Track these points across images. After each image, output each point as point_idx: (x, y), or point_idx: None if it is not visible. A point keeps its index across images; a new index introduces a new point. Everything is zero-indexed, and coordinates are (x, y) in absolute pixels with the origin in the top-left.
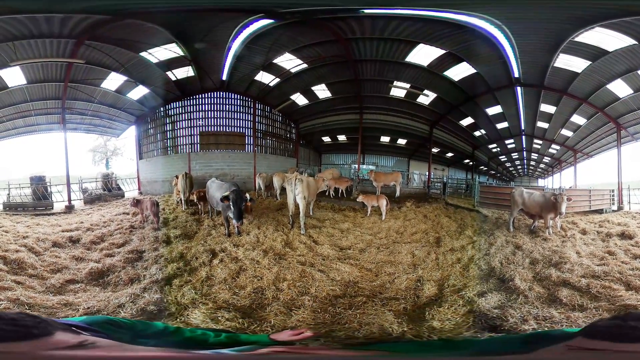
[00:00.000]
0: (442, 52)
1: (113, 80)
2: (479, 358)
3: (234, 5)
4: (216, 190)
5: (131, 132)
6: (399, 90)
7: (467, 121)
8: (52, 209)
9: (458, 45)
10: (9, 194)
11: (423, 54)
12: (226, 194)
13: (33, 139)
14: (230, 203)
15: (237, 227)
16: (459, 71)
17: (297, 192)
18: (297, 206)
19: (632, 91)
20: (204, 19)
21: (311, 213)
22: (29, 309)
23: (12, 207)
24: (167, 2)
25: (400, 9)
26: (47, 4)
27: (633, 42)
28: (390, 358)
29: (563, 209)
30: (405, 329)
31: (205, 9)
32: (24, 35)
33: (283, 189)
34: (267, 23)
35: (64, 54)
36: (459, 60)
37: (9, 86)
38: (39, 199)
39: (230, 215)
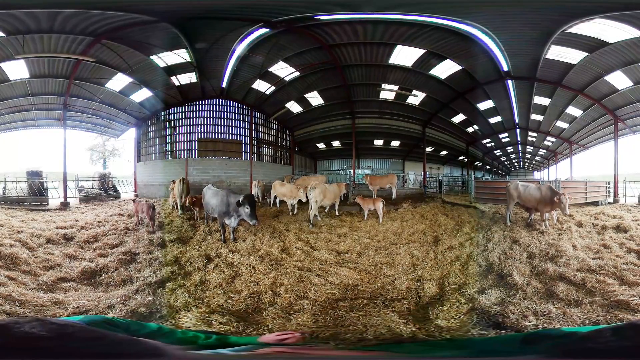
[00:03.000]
0: (422, 51)
1: (118, 81)
2: (483, 358)
3: (235, 15)
4: (212, 197)
5: (131, 133)
6: (388, 92)
7: (459, 118)
8: (48, 204)
9: (436, 44)
10: (4, 187)
11: (405, 55)
12: (242, 198)
13: (32, 133)
14: (249, 205)
15: (233, 232)
16: (445, 69)
17: (311, 197)
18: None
19: (631, 83)
20: (211, 26)
21: (337, 213)
22: (19, 306)
23: (8, 201)
24: (176, 6)
25: (378, 13)
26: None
27: (637, 34)
28: (393, 358)
29: (567, 210)
30: (413, 329)
31: (210, 17)
32: (39, 30)
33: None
34: (263, 32)
35: (75, 51)
36: (441, 58)
37: (11, 79)
38: (35, 194)
39: (226, 221)
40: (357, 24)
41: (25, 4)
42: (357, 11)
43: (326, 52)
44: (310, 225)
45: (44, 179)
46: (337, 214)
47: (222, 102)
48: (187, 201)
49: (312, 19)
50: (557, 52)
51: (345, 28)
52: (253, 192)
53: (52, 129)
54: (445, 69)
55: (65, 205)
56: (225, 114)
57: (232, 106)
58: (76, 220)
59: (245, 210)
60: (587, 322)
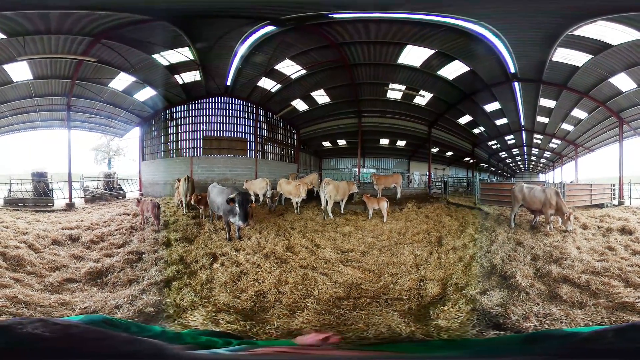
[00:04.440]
0: (432, 51)
1: (121, 81)
2: (483, 358)
3: (243, 13)
4: (217, 195)
5: (135, 133)
6: (395, 92)
7: (465, 119)
8: (53, 205)
9: (446, 44)
10: (10, 189)
11: (414, 55)
12: (232, 196)
13: (36, 134)
14: (237, 204)
15: (239, 230)
16: (453, 70)
17: (326, 192)
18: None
19: (635, 85)
20: (215, 24)
21: (342, 211)
22: (25, 308)
23: (13, 203)
24: (179, 5)
25: (389, 12)
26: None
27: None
28: (395, 358)
29: (570, 227)
30: (413, 329)
31: (216, 15)
32: (38, 31)
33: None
34: (269, 30)
35: (76, 51)
36: (450, 59)
37: (14, 81)
38: (40, 195)
39: (231, 219)
40: (370, 23)
41: (24, 5)
42: (393, 11)
43: (334, 50)
44: (330, 216)
45: (49, 180)
46: (342, 212)
47: (226, 99)
48: (193, 199)
49: (326, 17)
50: (562, 55)
51: (357, 27)
52: (260, 193)
53: (56, 129)
54: (453, 69)
55: (70, 206)
56: (230, 111)
57: (237, 104)
58: (81, 221)
59: (235, 209)
60: (590, 323)
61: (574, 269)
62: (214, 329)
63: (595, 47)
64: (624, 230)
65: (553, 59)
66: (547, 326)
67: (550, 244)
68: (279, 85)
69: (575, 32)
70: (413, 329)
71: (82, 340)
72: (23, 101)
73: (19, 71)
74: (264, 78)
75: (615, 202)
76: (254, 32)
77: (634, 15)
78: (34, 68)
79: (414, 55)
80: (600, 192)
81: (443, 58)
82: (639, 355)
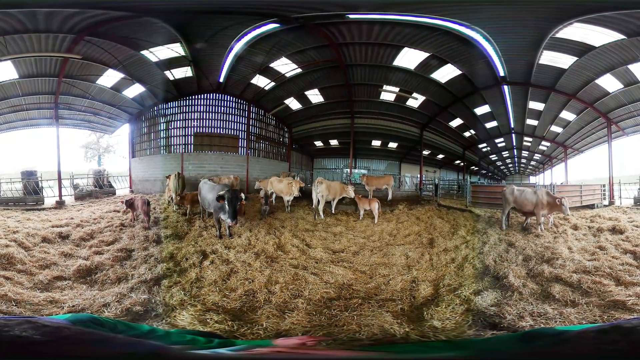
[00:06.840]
0: (426, 55)
1: (109, 77)
2: (482, 357)
3: (246, 9)
4: (208, 191)
5: (125, 129)
6: (388, 94)
7: (456, 122)
8: (43, 204)
9: (441, 48)
10: None
11: (409, 58)
12: (221, 193)
13: (25, 133)
14: (226, 202)
15: (229, 228)
16: (445, 73)
17: (318, 192)
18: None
19: (622, 86)
20: (212, 20)
21: (333, 211)
22: (15, 306)
23: (3, 202)
24: (180, 2)
25: (386, 14)
26: None
27: (621, 36)
28: (392, 358)
29: (568, 211)
30: (407, 330)
31: (217, 11)
32: (17, 30)
33: None
34: (271, 27)
35: (59, 49)
36: (443, 62)
37: (0, 80)
38: (30, 194)
39: (222, 216)
40: (375, 24)
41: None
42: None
43: (332, 50)
44: (321, 215)
45: (39, 179)
46: (333, 212)
47: (219, 96)
48: (175, 200)
49: (344, 17)
50: (549, 57)
51: (362, 27)
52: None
53: (45, 128)
54: (445, 73)
55: (60, 204)
56: (222, 108)
57: (230, 101)
58: (71, 218)
59: (224, 207)
60: (584, 322)
61: (565, 268)
62: (201, 329)
63: (579, 49)
64: (614, 230)
65: (540, 61)
66: (542, 324)
67: (542, 245)
68: (272, 83)
69: (558, 35)
70: (407, 329)
71: (77, 344)
72: (11, 100)
73: (5, 71)
74: (258, 75)
75: (606, 202)
76: (253, 29)
77: (604, 16)
78: (20, 67)
79: (409, 58)
80: (591, 193)
81: (437, 61)
82: (619, 357)
